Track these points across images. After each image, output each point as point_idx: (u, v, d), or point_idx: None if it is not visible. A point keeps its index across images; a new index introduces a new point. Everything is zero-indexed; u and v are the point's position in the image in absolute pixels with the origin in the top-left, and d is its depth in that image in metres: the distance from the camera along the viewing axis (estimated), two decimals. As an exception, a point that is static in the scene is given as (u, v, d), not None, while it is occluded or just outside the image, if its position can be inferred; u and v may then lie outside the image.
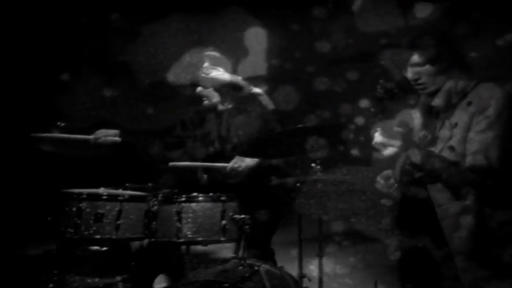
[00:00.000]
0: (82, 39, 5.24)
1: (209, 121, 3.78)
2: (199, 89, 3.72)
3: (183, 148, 3.75)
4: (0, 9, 4.66)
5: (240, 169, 3.50)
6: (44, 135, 3.27)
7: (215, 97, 3.73)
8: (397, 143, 2.60)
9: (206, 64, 3.71)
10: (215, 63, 3.72)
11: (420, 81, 2.72)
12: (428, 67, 2.69)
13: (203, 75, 3.70)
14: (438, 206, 2.61)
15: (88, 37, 5.24)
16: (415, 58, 2.72)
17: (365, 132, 2.80)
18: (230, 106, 3.75)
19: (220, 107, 3.75)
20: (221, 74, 3.70)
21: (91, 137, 3.46)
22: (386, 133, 2.60)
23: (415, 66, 2.73)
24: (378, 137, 2.62)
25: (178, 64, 3.85)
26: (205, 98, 3.73)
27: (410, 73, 2.74)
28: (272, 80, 4.18)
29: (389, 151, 2.62)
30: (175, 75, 3.88)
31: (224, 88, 3.72)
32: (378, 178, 2.81)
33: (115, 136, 3.51)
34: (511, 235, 2.47)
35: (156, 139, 3.76)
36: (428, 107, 2.75)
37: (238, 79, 3.75)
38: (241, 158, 3.50)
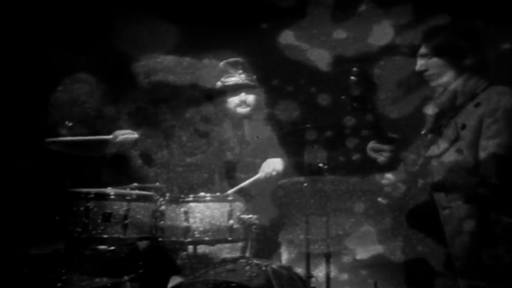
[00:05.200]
0: (82, 38, 5.22)
1: (227, 126, 3.72)
2: (243, 96, 3.63)
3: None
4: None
5: (276, 173, 3.42)
6: (61, 139, 3.28)
7: (253, 101, 3.65)
8: (389, 147, 2.52)
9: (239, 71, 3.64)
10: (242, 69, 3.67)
11: (426, 73, 2.67)
12: (436, 60, 2.63)
13: (246, 81, 3.62)
14: (442, 209, 2.56)
15: (88, 36, 5.22)
16: (422, 49, 2.68)
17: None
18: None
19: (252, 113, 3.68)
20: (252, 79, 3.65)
21: (110, 136, 3.44)
22: None
23: (423, 58, 2.68)
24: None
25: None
26: (245, 106, 3.63)
27: (417, 65, 2.69)
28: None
29: (382, 158, 2.56)
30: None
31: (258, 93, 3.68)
32: (386, 175, 2.74)
33: (133, 134, 3.50)
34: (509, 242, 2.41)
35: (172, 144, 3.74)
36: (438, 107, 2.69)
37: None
38: (273, 161, 3.45)
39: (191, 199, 2.97)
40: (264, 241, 3.17)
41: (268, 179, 3.42)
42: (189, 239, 2.93)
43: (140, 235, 2.98)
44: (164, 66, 5.69)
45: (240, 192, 3.23)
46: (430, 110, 2.67)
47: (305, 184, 3.16)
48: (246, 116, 3.66)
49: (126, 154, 3.51)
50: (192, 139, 3.76)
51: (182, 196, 3.01)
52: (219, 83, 3.65)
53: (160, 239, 2.99)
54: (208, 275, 2.92)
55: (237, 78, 3.60)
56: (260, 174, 3.42)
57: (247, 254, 3.02)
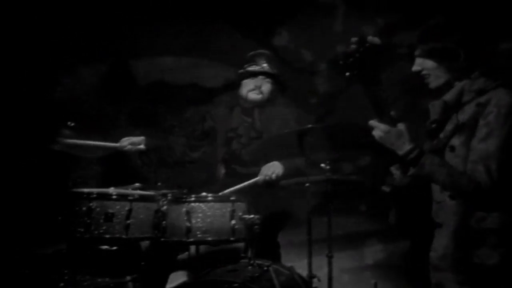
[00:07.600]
0: (82, 38, 5.23)
1: (235, 114, 3.69)
2: (259, 81, 3.60)
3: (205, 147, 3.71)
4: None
5: (276, 177, 3.41)
6: (68, 141, 3.29)
7: (268, 91, 3.64)
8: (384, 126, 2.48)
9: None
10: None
11: (422, 73, 2.65)
12: (430, 62, 2.57)
13: (266, 70, 3.60)
14: (437, 202, 2.56)
15: (88, 36, 5.23)
16: (418, 50, 2.66)
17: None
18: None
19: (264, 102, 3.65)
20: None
21: (117, 145, 3.47)
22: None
23: (418, 58, 2.66)
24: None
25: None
26: (258, 92, 3.61)
27: (414, 65, 2.67)
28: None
29: (378, 133, 2.48)
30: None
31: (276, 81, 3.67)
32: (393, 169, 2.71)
33: (140, 143, 3.50)
34: (493, 245, 2.37)
35: (180, 139, 3.73)
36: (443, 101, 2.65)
37: None
38: (273, 164, 3.44)
39: (193, 199, 2.97)
40: (264, 242, 3.17)
41: (268, 182, 3.41)
42: (191, 239, 2.92)
43: (142, 235, 2.97)
44: (166, 66, 5.71)
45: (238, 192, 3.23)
46: (435, 106, 2.63)
47: (307, 184, 3.15)
48: (258, 104, 3.64)
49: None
50: (195, 137, 3.76)
51: (184, 196, 3.00)
52: (241, 71, 3.66)
53: (162, 239, 2.98)
54: (210, 275, 2.93)
55: (259, 67, 3.61)
56: (259, 177, 3.41)
57: (249, 255, 3.02)
